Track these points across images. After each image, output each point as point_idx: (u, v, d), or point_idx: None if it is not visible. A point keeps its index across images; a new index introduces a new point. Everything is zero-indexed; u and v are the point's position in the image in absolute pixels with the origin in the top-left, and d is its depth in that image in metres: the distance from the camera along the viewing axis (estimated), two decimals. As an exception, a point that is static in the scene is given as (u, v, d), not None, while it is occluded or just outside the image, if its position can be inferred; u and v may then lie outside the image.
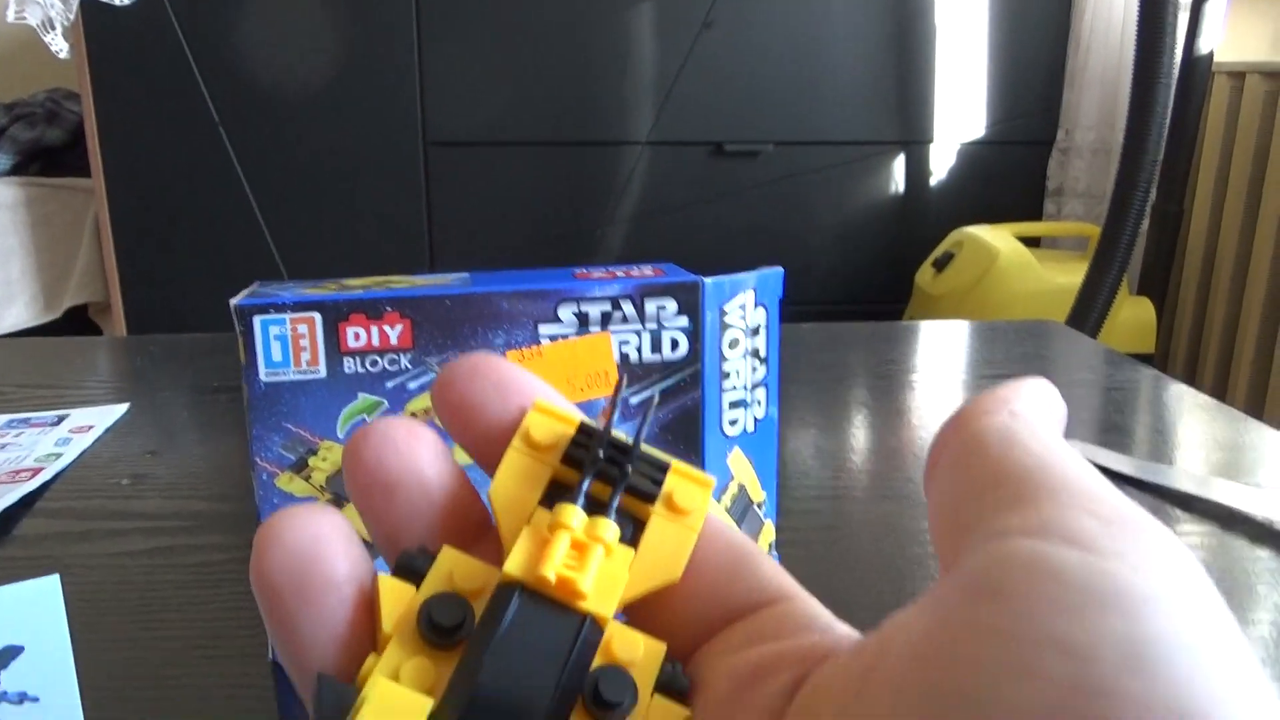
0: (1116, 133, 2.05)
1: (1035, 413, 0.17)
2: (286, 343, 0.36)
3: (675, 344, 0.38)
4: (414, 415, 0.37)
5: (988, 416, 0.17)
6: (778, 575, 0.18)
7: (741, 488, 0.41)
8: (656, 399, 0.38)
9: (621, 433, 0.18)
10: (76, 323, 2.16)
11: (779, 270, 0.40)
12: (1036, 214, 2.26)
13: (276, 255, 2.07)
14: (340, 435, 0.37)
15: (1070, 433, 0.63)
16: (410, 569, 0.17)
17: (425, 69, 2.04)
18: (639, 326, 0.38)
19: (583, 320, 0.37)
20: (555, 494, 0.18)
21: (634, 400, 0.38)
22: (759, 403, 0.40)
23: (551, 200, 2.15)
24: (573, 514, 0.17)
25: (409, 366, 0.37)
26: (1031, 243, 2.05)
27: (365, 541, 0.18)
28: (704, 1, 2.06)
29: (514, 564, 0.17)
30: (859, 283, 2.26)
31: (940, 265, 2.02)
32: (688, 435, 0.39)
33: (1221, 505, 0.53)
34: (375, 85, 2.04)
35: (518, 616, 0.16)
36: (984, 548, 0.14)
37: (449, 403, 0.19)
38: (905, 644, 0.14)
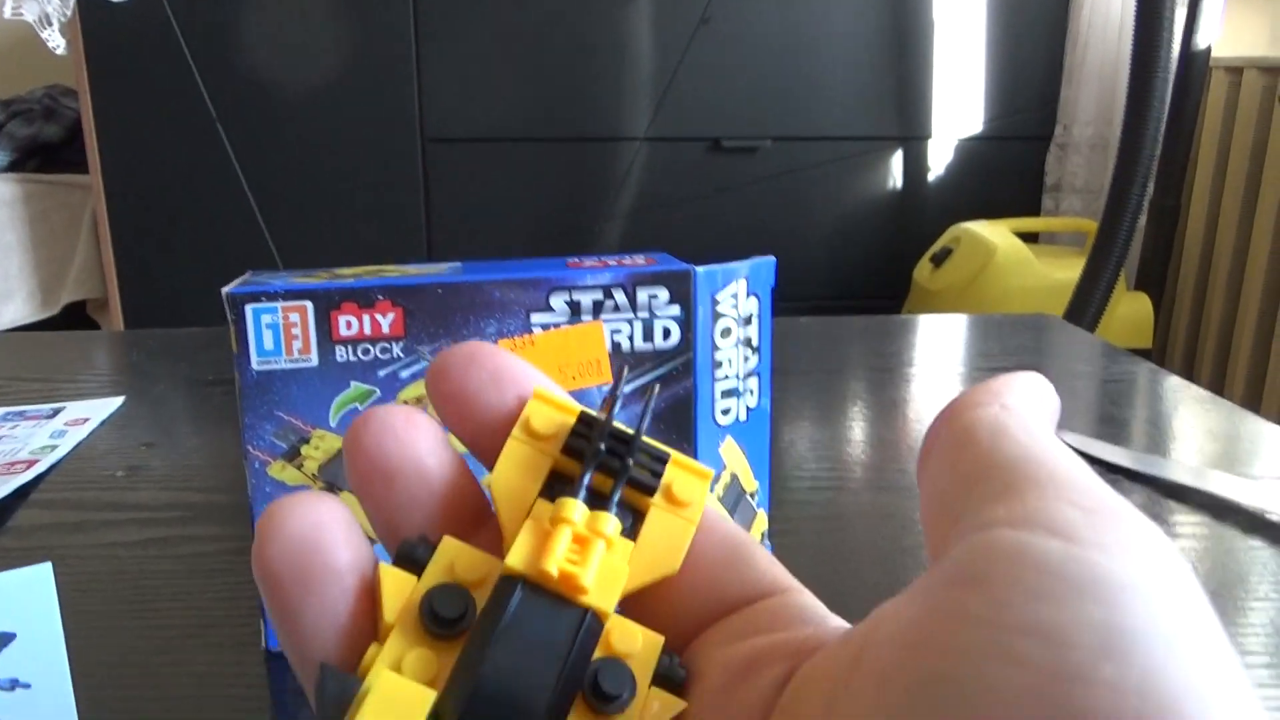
0: (1114, 128, 2.05)
1: (1026, 406, 0.18)
2: (278, 331, 0.36)
3: (667, 333, 0.38)
4: (406, 404, 0.37)
5: (979, 409, 0.17)
6: (773, 569, 0.19)
7: (734, 477, 0.41)
8: (657, 388, 0.38)
9: (620, 423, 0.18)
10: (74, 319, 2.16)
11: (771, 259, 0.40)
12: (1034, 209, 2.26)
13: (274, 252, 2.07)
14: (332, 424, 0.37)
15: (1067, 425, 0.63)
16: (411, 558, 0.17)
17: (423, 65, 2.04)
18: (631, 315, 0.38)
19: (575, 309, 0.37)
20: (555, 484, 0.18)
21: (626, 390, 0.38)
22: (751, 392, 0.41)
23: (550, 196, 2.15)
24: (574, 508, 0.17)
25: (401, 355, 0.37)
26: (1029, 238, 2.05)
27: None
28: (702, -3, 2.06)
29: (516, 557, 0.17)
30: (857, 278, 2.26)
31: (938, 261, 2.03)
32: (680, 424, 0.39)
33: (1216, 496, 0.53)
34: (373, 81, 2.04)
35: (520, 610, 0.16)
36: (970, 538, 0.14)
37: (444, 393, 0.19)
38: (892, 632, 0.14)
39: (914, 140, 2.20)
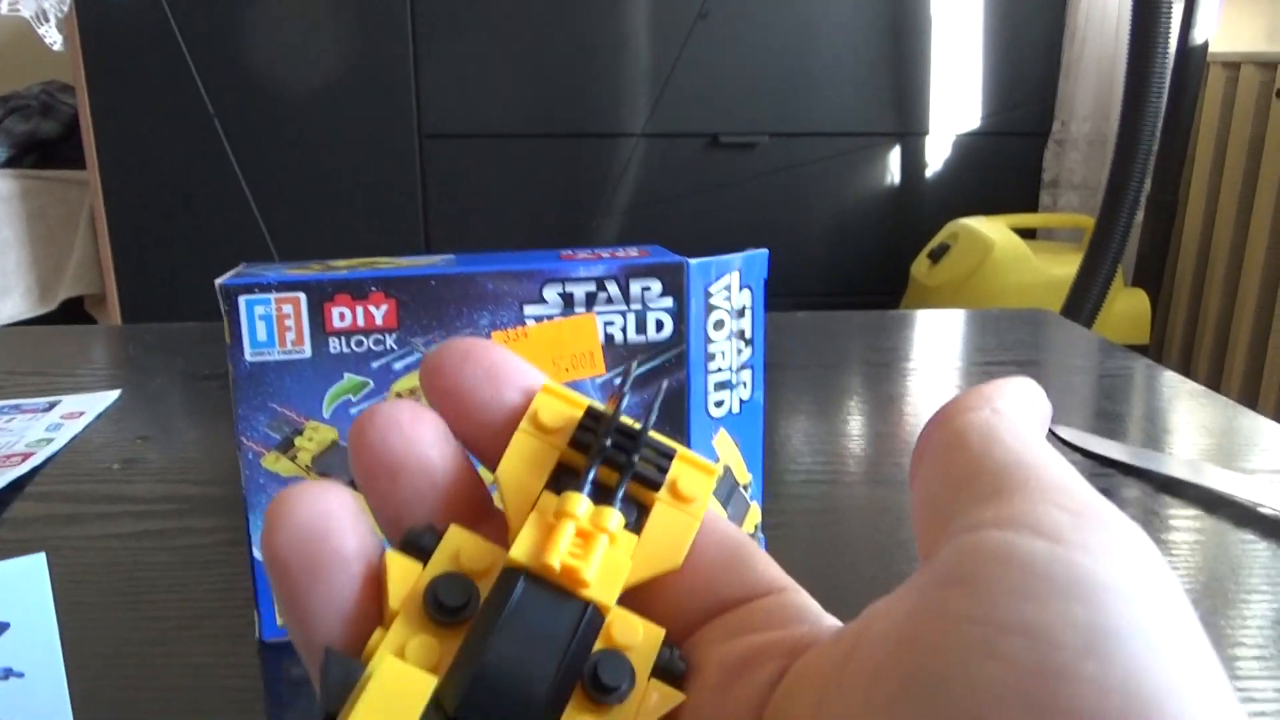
0: (1112, 124, 2.05)
1: (1018, 410, 0.18)
2: (271, 322, 0.36)
3: (660, 325, 0.38)
4: (399, 396, 0.37)
5: (970, 413, 0.18)
6: (771, 568, 0.19)
7: (727, 470, 0.41)
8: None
9: (628, 417, 0.19)
10: (72, 315, 2.16)
11: (764, 252, 0.40)
12: (1032, 205, 2.26)
13: (272, 248, 2.06)
14: (326, 416, 0.37)
15: (1064, 420, 0.64)
16: (417, 546, 0.17)
17: (420, 61, 2.04)
18: (624, 307, 0.38)
19: (568, 301, 0.37)
20: (562, 476, 0.18)
21: (617, 381, 0.38)
22: (744, 384, 0.41)
23: (547, 192, 2.15)
24: (578, 502, 0.17)
25: (394, 347, 0.37)
26: (1027, 234, 2.05)
27: None
28: (699, -7, 2.06)
29: (520, 550, 0.17)
30: (855, 274, 2.26)
31: (936, 257, 2.03)
32: (673, 417, 0.39)
33: (1211, 490, 0.54)
34: (370, 78, 2.03)
35: (522, 602, 0.16)
36: (959, 539, 0.15)
37: (440, 390, 0.19)
38: (882, 631, 0.14)
39: (912, 136, 2.20)
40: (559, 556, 0.16)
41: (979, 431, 0.17)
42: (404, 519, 0.18)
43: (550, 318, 0.37)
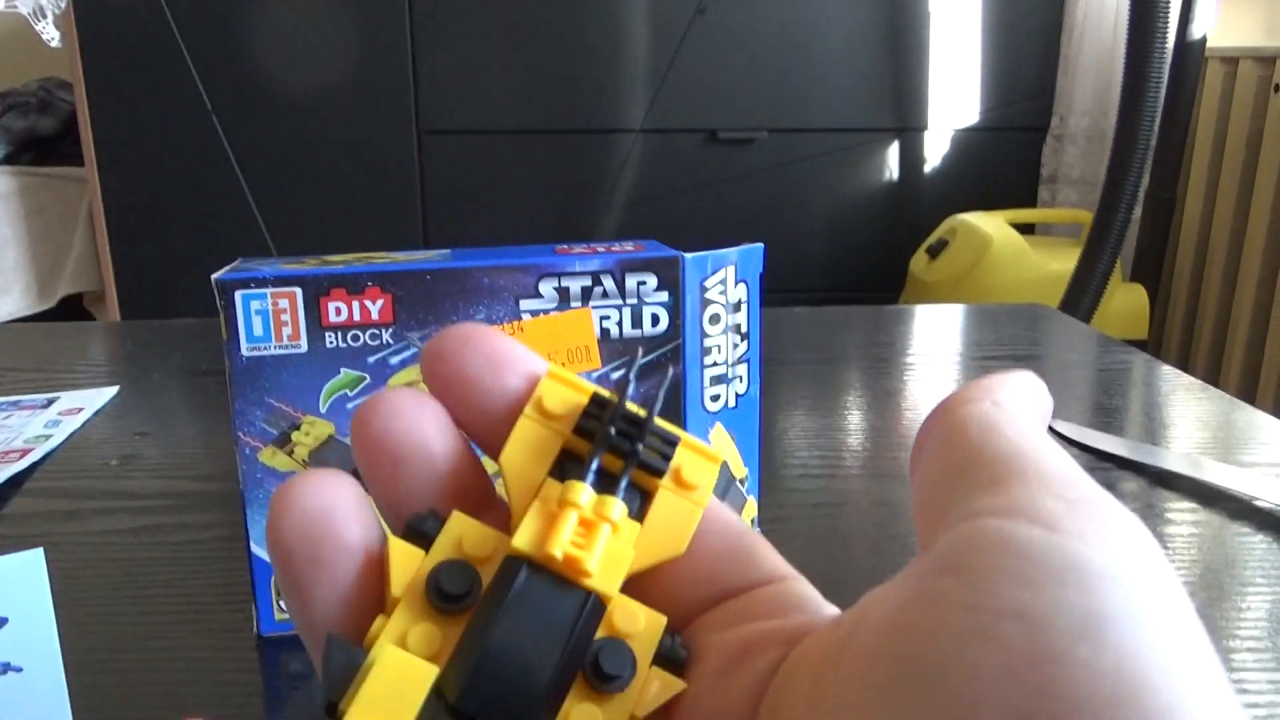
0: (1110, 119, 2.05)
1: (1018, 403, 0.18)
2: (268, 317, 0.36)
3: (656, 319, 0.38)
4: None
5: (971, 405, 0.18)
6: (772, 557, 0.19)
7: (724, 463, 0.41)
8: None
9: (634, 404, 0.19)
10: (71, 312, 2.16)
11: (759, 246, 0.40)
12: (1030, 201, 2.26)
13: (270, 244, 2.06)
14: (322, 410, 0.37)
15: (1062, 414, 0.64)
16: (420, 532, 0.17)
17: (419, 57, 2.03)
18: (619, 302, 0.38)
19: (563, 295, 0.37)
20: (566, 463, 0.18)
21: (613, 376, 0.38)
22: (740, 378, 0.41)
23: (546, 188, 2.15)
24: (582, 491, 0.17)
25: (390, 341, 0.37)
26: (1025, 230, 2.05)
27: None
28: (698, -12, 2.06)
29: (522, 539, 0.17)
30: (853, 270, 2.26)
31: (934, 252, 2.03)
32: (669, 411, 0.39)
33: (1208, 484, 0.54)
34: (369, 74, 2.03)
35: (524, 590, 0.16)
36: (956, 527, 0.15)
37: (442, 376, 0.19)
38: (879, 617, 0.15)
39: (910, 131, 2.20)
40: (562, 546, 0.16)
41: (979, 423, 0.17)
42: (406, 507, 0.18)
43: (546, 312, 0.37)
